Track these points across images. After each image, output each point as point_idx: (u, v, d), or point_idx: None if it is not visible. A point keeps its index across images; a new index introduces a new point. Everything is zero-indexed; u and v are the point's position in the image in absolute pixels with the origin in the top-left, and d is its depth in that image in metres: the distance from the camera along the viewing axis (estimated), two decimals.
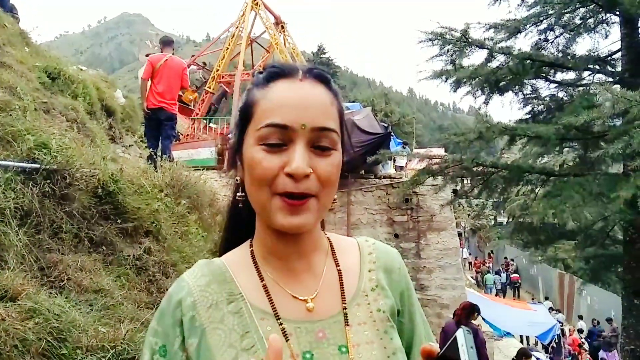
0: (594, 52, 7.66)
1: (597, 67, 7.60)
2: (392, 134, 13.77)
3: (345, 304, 0.85)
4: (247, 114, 0.83)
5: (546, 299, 21.68)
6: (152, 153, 6.38)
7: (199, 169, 5.96)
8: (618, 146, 5.32)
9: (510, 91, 8.14)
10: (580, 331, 16.72)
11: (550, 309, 18.52)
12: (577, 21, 7.59)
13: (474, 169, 7.54)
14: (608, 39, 7.74)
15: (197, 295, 0.82)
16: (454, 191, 9.75)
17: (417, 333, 0.92)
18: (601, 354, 13.31)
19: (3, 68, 4.76)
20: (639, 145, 5.14)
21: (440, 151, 13.18)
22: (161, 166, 5.25)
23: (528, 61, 7.33)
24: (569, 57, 7.64)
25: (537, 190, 7.90)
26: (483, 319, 12.02)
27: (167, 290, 0.87)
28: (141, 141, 8.44)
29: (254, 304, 0.82)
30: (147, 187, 4.19)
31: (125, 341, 2.48)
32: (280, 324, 0.80)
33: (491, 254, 30.92)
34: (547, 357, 13.80)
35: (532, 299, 22.06)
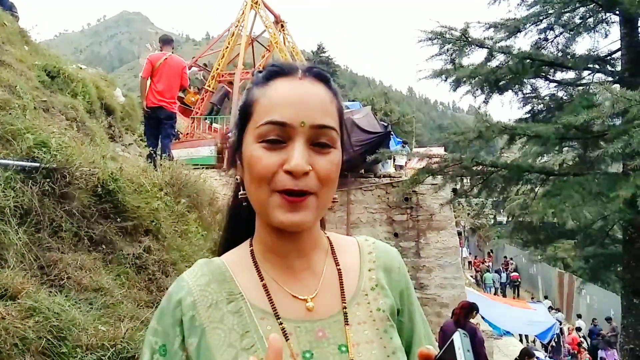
0: (593, 52, 7.66)
1: (597, 66, 7.60)
2: (392, 133, 13.77)
3: (345, 303, 0.85)
4: (246, 112, 0.83)
5: (545, 298, 21.72)
6: (152, 152, 6.38)
7: (198, 168, 5.96)
8: (617, 145, 5.32)
9: (509, 90, 8.13)
10: (578, 329, 16.75)
11: (550, 308, 18.55)
12: (577, 20, 7.58)
13: (474, 168, 7.54)
14: (608, 39, 7.73)
15: (197, 295, 0.82)
16: (454, 190, 9.76)
17: (416, 332, 0.92)
18: (600, 353, 13.34)
19: (2, 67, 4.76)
20: (639, 145, 5.14)
21: (440, 150, 13.18)
22: (161, 165, 5.25)
23: (528, 60, 7.33)
24: (569, 57, 7.63)
25: (536, 190, 7.91)
26: (483, 318, 12.04)
27: (166, 289, 0.87)
28: (141, 140, 8.44)
29: (253, 303, 0.82)
30: (147, 185, 4.19)
31: (125, 340, 2.48)
32: (280, 323, 0.80)
33: (491, 253, 30.94)
34: (546, 356, 13.81)
35: (532, 298, 22.09)
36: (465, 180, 8.41)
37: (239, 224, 0.93)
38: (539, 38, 7.86)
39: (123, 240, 3.58)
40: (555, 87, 8.16)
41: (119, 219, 3.58)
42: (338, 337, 0.81)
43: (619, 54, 7.49)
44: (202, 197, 5.43)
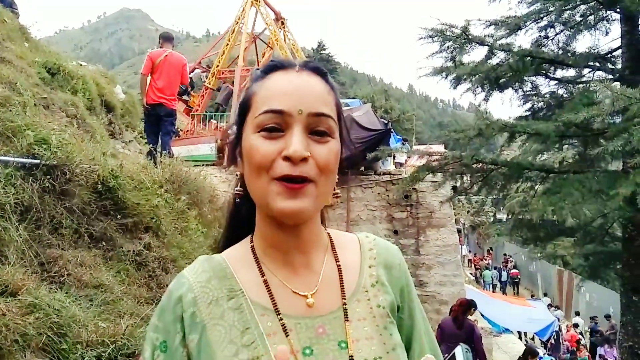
0: (594, 50, 7.64)
1: (597, 64, 7.59)
2: (392, 130, 13.77)
3: (345, 299, 0.85)
4: (245, 107, 0.84)
5: (545, 295, 21.74)
6: (152, 149, 6.38)
7: (198, 165, 5.96)
8: (617, 143, 5.32)
9: (510, 88, 8.12)
10: (575, 326, 16.77)
11: (549, 305, 18.57)
12: (578, 18, 7.56)
13: (474, 165, 7.53)
14: (608, 36, 7.72)
15: (198, 291, 0.82)
16: (454, 188, 9.76)
17: (416, 329, 0.92)
18: (599, 350, 13.36)
19: (3, 63, 4.76)
20: (639, 143, 5.13)
21: (440, 148, 13.20)
22: (161, 162, 5.25)
23: (528, 58, 7.31)
24: (569, 55, 7.62)
25: (536, 187, 7.90)
26: (482, 315, 12.05)
27: (166, 286, 0.87)
28: (141, 137, 8.44)
29: (254, 300, 0.82)
30: (147, 182, 4.19)
31: (125, 336, 2.49)
32: (281, 319, 0.80)
33: (490, 251, 30.99)
34: (545, 353, 13.83)
35: (532, 295, 22.12)
36: (465, 178, 8.41)
37: (239, 222, 0.93)
38: (540, 36, 7.85)
39: (123, 237, 3.59)
40: (555, 84, 8.15)
41: (119, 216, 3.59)
42: (338, 333, 0.81)
43: (619, 51, 7.48)
44: (202, 195, 5.43)
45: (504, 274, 25.06)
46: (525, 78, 7.89)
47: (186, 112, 15.61)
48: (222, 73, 16.34)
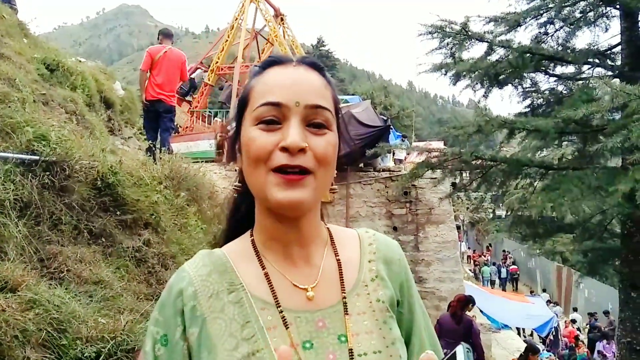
0: (593, 46, 7.63)
1: (597, 60, 7.58)
2: (392, 127, 13.77)
3: (344, 293, 0.85)
4: (244, 102, 0.85)
5: (544, 291, 21.79)
6: (151, 145, 6.37)
7: (198, 161, 5.96)
8: (617, 140, 5.32)
9: (509, 84, 8.11)
10: (573, 322, 16.81)
11: (548, 301, 18.61)
12: (577, 15, 7.55)
13: (473, 162, 7.53)
14: (608, 33, 7.70)
15: (198, 285, 0.83)
16: (453, 184, 9.75)
17: (416, 324, 0.92)
18: (598, 346, 13.39)
19: (1, 60, 4.75)
20: (638, 139, 5.13)
21: (440, 144, 13.17)
22: (160, 158, 5.25)
23: (528, 55, 7.30)
24: (569, 51, 7.61)
25: (535, 184, 7.90)
26: (481, 311, 12.09)
27: (166, 281, 0.88)
28: (140, 133, 8.43)
29: (254, 294, 0.82)
30: (146, 179, 4.19)
31: (125, 332, 2.50)
32: (281, 312, 0.80)
33: (489, 247, 31.02)
34: (544, 349, 13.87)
35: (531, 291, 22.16)
36: (464, 174, 8.41)
37: (239, 217, 0.94)
38: (539, 32, 7.83)
39: (123, 233, 3.59)
40: (555, 81, 8.14)
41: (118, 212, 3.59)
42: (338, 327, 0.81)
43: (619, 48, 7.47)
44: (202, 191, 5.44)
45: (503, 270, 25.08)
46: (525, 74, 7.88)
47: (191, 113, 15.64)
48: (221, 69, 16.32)
